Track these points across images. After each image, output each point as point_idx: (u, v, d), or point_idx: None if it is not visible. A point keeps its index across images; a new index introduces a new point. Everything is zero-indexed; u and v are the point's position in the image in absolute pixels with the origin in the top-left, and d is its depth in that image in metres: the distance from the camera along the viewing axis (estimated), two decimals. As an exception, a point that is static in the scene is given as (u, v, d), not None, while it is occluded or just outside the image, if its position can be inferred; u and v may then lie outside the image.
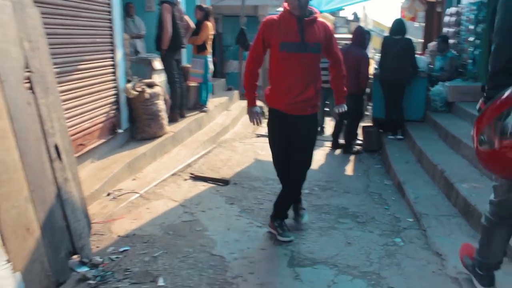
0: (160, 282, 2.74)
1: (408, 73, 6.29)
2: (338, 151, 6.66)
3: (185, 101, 7.19)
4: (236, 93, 10.57)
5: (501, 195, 2.33)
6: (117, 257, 3.05)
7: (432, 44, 8.61)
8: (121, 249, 3.18)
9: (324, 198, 4.52)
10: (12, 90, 2.50)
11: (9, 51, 2.55)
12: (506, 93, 1.87)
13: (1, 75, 2.44)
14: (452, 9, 7.77)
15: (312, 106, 3.32)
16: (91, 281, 2.71)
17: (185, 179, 5.01)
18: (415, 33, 19.98)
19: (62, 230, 2.79)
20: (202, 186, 4.79)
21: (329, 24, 3.36)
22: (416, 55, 6.68)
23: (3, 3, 2.56)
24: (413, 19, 13.16)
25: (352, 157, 6.33)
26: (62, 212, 2.82)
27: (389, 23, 21.65)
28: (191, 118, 7.12)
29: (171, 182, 4.87)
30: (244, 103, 8.89)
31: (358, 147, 6.73)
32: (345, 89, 3.58)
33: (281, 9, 3.33)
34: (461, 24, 7.40)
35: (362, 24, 17.93)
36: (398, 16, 14.95)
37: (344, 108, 3.59)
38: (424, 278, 2.84)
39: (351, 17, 23.09)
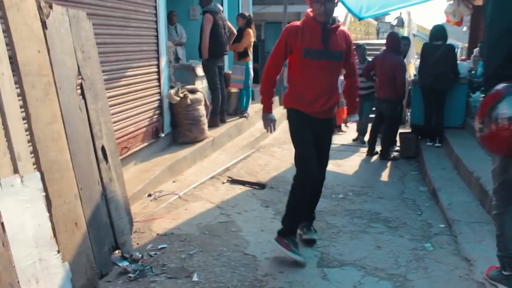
0: (195, 277, 2.93)
1: (449, 80, 6.26)
2: (375, 157, 6.70)
3: (226, 107, 7.43)
4: (276, 98, 10.72)
5: (499, 177, 2.62)
6: (155, 254, 3.27)
7: (476, 50, 8.47)
8: (160, 247, 3.40)
9: (358, 203, 4.61)
10: (66, 96, 2.78)
11: (64, 61, 2.83)
12: (494, 89, 2.40)
13: (57, 83, 2.71)
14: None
15: (333, 110, 3.45)
16: (131, 275, 2.93)
17: (223, 182, 5.22)
18: (463, 38, 19.53)
19: (106, 227, 3.04)
20: (239, 189, 4.98)
21: (349, 32, 3.44)
22: (457, 61, 6.63)
23: (62, 18, 2.84)
24: (458, 23, 12.87)
25: (389, 163, 6.35)
26: (106, 209, 3.07)
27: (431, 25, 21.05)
28: (231, 123, 7.35)
29: (209, 185, 5.09)
30: (284, 110, 9.05)
31: (395, 153, 6.74)
32: (357, 99, 3.72)
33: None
34: None
35: (406, 29, 17.71)
36: (443, 21, 14.73)
37: (356, 118, 3.71)
38: (450, 282, 2.90)
39: (394, 22, 22.80)
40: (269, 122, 3.43)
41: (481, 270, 2.94)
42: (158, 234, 3.64)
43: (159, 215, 4.05)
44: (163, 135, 5.63)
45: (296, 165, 3.32)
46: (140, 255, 3.20)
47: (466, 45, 13.50)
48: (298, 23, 3.29)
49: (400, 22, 20.84)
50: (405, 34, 17.17)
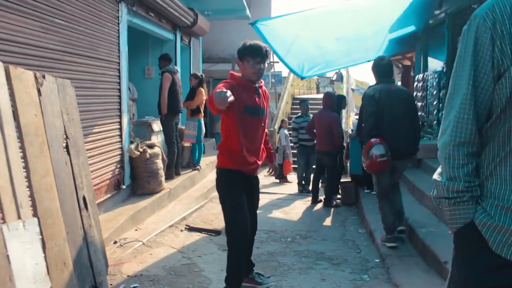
0: (168, 309, 3.39)
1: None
2: (319, 205, 7.41)
3: (180, 160, 7.96)
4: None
5: (377, 186, 4.72)
6: (134, 287, 3.70)
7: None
8: (131, 286, 3.83)
9: (304, 244, 5.22)
10: (55, 153, 3.27)
11: (54, 123, 3.34)
12: (369, 141, 4.44)
13: (49, 141, 3.21)
14: (419, 76, 8.83)
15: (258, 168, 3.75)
16: (110, 309, 3.35)
17: (182, 230, 5.70)
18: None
19: (87, 267, 3.46)
20: (197, 236, 5.47)
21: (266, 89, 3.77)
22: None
23: (52, 86, 3.37)
24: (391, 80, 14.28)
25: (332, 210, 7.07)
26: (87, 252, 3.50)
27: (370, 82, 22.89)
28: (185, 175, 7.88)
29: (169, 233, 5.55)
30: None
31: (337, 200, 7.48)
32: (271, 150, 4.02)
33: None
34: (427, 89, 8.42)
35: (345, 84, 19.15)
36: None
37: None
38: (382, 303, 3.53)
39: (334, 77, 24.44)
40: (226, 95, 2.96)
41: (407, 292, 3.60)
42: (128, 275, 4.06)
43: (127, 259, 4.46)
44: (124, 187, 6.07)
45: (229, 228, 3.56)
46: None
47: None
48: (229, 81, 3.49)
49: (339, 77, 22.44)
50: (344, 89, 18.65)
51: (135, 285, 3.84)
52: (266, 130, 3.81)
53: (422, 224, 4.92)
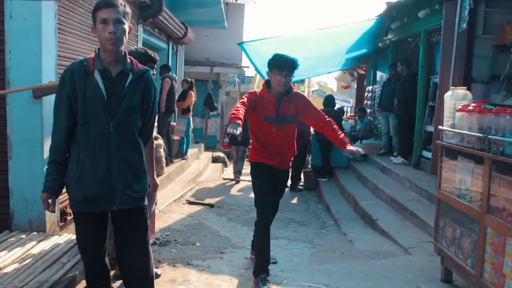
0: (197, 244, 5.32)
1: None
2: (286, 190, 9.47)
3: (171, 151, 9.81)
4: (202, 145, 13.30)
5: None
6: (166, 235, 5.60)
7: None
8: (165, 234, 5.71)
9: (279, 214, 7.21)
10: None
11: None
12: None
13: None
14: (369, 87, 11.08)
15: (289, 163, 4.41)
16: (160, 243, 5.23)
17: (183, 204, 7.60)
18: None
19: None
20: (197, 208, 7.39)
21: (301, 94, 4.29)
22: (342, 121, 9.78)
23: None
24: (347, 87, 16.59)
25: (297, 194, 9.15)
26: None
27: (330, 85, 25.04)
28: (177, 164, 9.74)
29: (175, 205, 7.43)
30: (209, 154, 12.07)
31: (301, 186, 9.57)
32: (341, 134, 4.09)
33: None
34: (374, 98, 10.66)
35: (306, 88, 21.37)
36: (334, 83, 18.58)
37: (354, 149, 4.02)
38: (335, 241, 5.62)
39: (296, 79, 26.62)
40: (234, 130, 3.43)
41: (350, 238, 5.69)
42: (160, 229, 5.93)
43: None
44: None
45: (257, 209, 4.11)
46: (159, 237, 5.50)
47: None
48: (257, 92, 4.09)
49: (301, 80, 24.55)
50: (305, 92, 20.85)
51: (167, 233, 5.73)
52: (323, 115, 4.18)
53: (364, 198, 7.08)
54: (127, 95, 2.61)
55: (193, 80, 10.26)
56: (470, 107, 3.41)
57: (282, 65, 3.87)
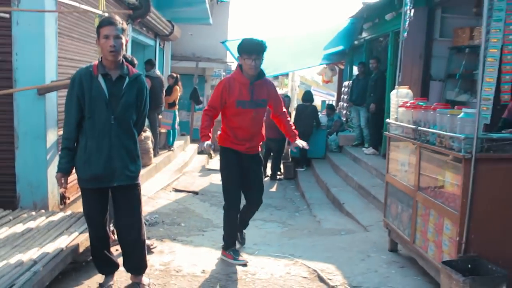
0: (182, 224, 6.02)
1: (312, 128, 10.07)
2: (266, 179, 10.21)
3: (158, 142, 10.48)
4: (188, 138, 13.97)
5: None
6: (155, 218, 6.29)
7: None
8: (154, 216, 6.40)
9: (258, 200, 7.99)
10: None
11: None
12: None
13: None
14: (346, 83, 11.85)
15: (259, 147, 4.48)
16: (148, 224, 5.92)
17: (170, 191, 8.29)
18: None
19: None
20: (183, 195, 8.09)
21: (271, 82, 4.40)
22: (319, 115, 10.54)
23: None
24: (328, 82, 17.33)
25: (276, 182, 9.89)
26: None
27: (313, 78, 25.78)
28: (164, 155, 10.42)
29: (162, 193, 8.12)
30: (194, 146, 12.72)
31: (280, 176, 10.32)
32: (293, 128, 4.46)
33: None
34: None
35: (290, 82, 22.11)
36: (319, 77, 19.37)
37: (302, 142, 4.41)
38: (305, 221, 6.38)
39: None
40: (207, 147, 3.94)
41: (318, 219, 6.43)
42: (148, 212, 6.62)
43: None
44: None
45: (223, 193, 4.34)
46: (148, 219, 6.20)
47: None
48: (227, 77, 4.18)
49: (285, 74, 25.30)
50: (289, 85, 21.59)
51: (156, 216, 6.42)
52: (283, 108, 4.44)
53: (335, 185, 7.84)
54: (124, 94, 3.30)
55: (178, 76, 10.92)
56: (408, 104, 4.16)
57: (250, 49, 3.96)
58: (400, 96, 4.48)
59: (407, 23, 4.42)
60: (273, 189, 9.28)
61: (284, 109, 4.49)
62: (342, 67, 15.49)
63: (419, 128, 3.83)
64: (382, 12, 8.45)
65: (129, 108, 3.34)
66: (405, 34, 4.44)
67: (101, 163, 3.23)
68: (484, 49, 3.23)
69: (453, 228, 3.32)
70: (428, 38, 6.91)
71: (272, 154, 10.33)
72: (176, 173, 9.87)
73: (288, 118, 4.49)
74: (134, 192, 3.46)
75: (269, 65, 11.12)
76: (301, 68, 11.31)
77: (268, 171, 10.35)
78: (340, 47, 10.95)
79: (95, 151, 3.22)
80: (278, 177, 10.19)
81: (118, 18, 3.30)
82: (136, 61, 4.59)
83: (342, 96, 11.93)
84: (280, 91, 23.11)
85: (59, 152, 3.37)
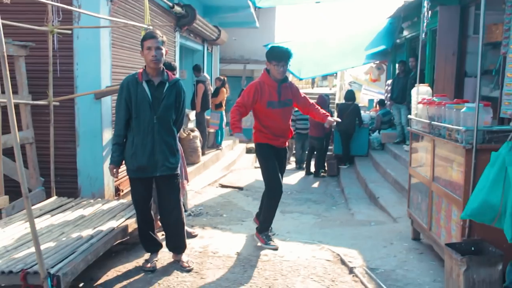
0: (224, 215, 6.57)
1: (354, 127, 10.39)
2: (311, 176, 10.62)
3: (206, 142, 11.14)
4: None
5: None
6: (200, 209, 6.88)
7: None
8: (199, 208, 6.99)
9: (298, 195, 8.44)
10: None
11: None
12: None
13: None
14: (388, 81, 12.04)
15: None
16: (193, 214, 6.50)
17: (217, 187, 8.88)
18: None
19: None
20: (228, 190, 8.65)
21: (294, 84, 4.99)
22: (361, 114, 10.84)
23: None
24: (375, 80, 17.45)
25: (319, 180, 10.28)
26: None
27: (363, 77, 25.82)
28: (212, 153, 11.06)
29: (209, 188, 8.72)
30: (243, 145, 13.28)
31: (323, 173, 10.69)
32: (322, 110, 4.90)
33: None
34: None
35: (339, 81, 22.36)
36: (367, 76, 19.52)
37: (332, 119, 4.87)
38: (339, 214, 6.76)
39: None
40: (240, 136, 4.40)
41: (353, 211, 6.79)
42: (195, 205, 7.21)
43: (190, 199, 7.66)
44: (177, 158, 9.24)
45: (266, 183, 4.76)
46: (193, 210, 6.79)
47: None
48: (258, 81, 4.59)
49: (331, 74, 25.51)
50: (338, 85, 21.80)
51: (201, 208, 7.01)
52: (309, 100, 4.94)
53: (373, 181, 8.15)
54: (165, 97, 3.86)
55: (225, 78, 11.53)
56: (425, 101, 4.48)
57: (279, 56, 4.47)
58: (420, 94, 4.80)
59: (424, 24, 4.74)
60: (316, 185, 9.68)
61: (312, 101, 4.96)
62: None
63: (431, 122, 4.16)
64: (419, 11, 8.65)
65: (169, 109, 3.90)
66: (423, 34, 4.75)
67: (146, 156, 3.81)
68: (504, 45, 3.47)
69: (459, 213, 3.63)
70: (462, 35, 7.10)
71: (315, 152, 10.73)
72: (224, 171, 10.46)
73: (317, 107, 4.94)
74: (173, 181, 4.01)
75: (314, 67, 11.62)
76: (345, 68, 11.64)
77: (312, 169, 10.76)
78: (382, 47, 11.18)
79: (141, 146, 3.80)
80: (322, 174, 10.57)
81: (158, 32, 3.87)
82: (175, 65, 5.13)
83: (385, 94, 12.12)
84: (328, 90, 23.50)
85: (104, 151, 3.95)
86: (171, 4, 8.01)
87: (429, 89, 4.79)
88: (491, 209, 2.89)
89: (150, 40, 3.77)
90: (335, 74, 22.05)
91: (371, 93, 24.02)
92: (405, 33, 10.52)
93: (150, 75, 3.84)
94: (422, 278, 3.93)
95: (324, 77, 27.39)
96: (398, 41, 11.34)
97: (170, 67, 4.64)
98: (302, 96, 4.91)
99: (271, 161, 4.71)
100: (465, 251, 3.42)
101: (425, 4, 4.76)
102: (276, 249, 4.67)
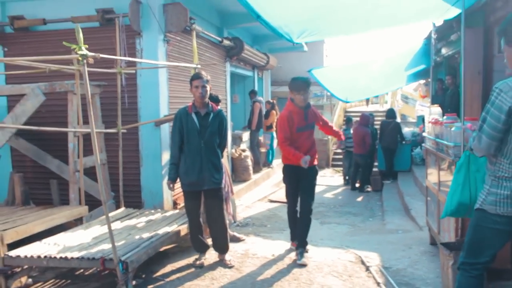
0: (268, 226, 7.40)
1: (396, 144, 10.97)
2: (355, 191, 11.25)
3: (259, 161, 12.06)
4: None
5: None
6: (247, 220, 7.75)
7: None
8: (247, 220, 7.86)
9: (340, 208, 9.13)
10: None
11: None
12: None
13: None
14: (429, 99, 12.49)
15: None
16: (240, 225, 7.38)
17: (265, 202, 9.74)
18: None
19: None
20: (276, 205, 9.48)
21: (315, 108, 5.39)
22: (402, 131, 11.39)
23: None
24: (424, 97, 17.80)
25: (363, 194, 10.89)
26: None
27: (414, 93, 25.87)
28: (263, 171, 11.96)
29: (258, 203, 9.59)
30: None
31: (368, 188, 11.29)
32: (337, 131, 5.69)
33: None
34: (437, 109, 12.07)
35: (390, 98, 22.68)
36: (416, 92, 19.84)
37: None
38: (373, 224, 7.40)
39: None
40: (306, 159, 4.86)
41: (387, 221, 7.41)
42: (243, 217, 8.10)
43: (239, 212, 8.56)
44: (229, 175, 10.22)
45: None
46: (241, 221, 7.67)
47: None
48: (285, 112, 5.08)
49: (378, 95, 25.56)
50: (389, 102, 22.13)
51: (248, 219, 7.88)
52: (327, 120, 5.55)
53: (409, 194, 8.72)
54: (210, 125, 4.81)
55: (274, 101, 12.48)
56: (432, 120, 5.16)
57: (299, 87, 5.01)
58: (432, 114, 5.48)
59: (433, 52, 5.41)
60: (359, 199, 10.32)
61: (330, 123, 5.65)
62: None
63: (436, 140, 4.84)
64: (451, 32, 9.22)
65: (213, 135, 4.84)
66: (432, 57, 5.43)
67: (195, 173, 4.75)
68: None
69: (455, 218, 4.30)
70: (487, 55, 7.63)
71: (360, 168, 11.38)
72: (274, 187, 11.31)
73: (330, 125, 5.60)
74: (218, 193, 4.93)
75: (358, 91, 12.29)
76: (389, 90, 12.21)
77: (357, 184, 11.40)
78: (422, 66, 11.72)
79: (191, 165, 4.75)
80: (366, 189, 11.17)
81: (203, 73, 4.85)
82: (219, 97, 5.91)
83: (429, 111, 12.61)
84: (379, 107, 23.80)
85: (164, 170, 4.96)
86: (220, 39, 9.07)
87: (439, 109, 5.44)
88: (464, 207, 3.56)
89: (197, 80, 4.75)
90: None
91: (423, 109, 24.16)
92: (443, 51, 11.03)
93: (198, 108, 4.81)
94: (428, 275, 4.58)
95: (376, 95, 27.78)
96: (438, 59, 11.83)
97: (215, 100, 5.59)
98: (322, 118, 5.49)
99: (293, 181, 5.37)
100: (458, 249, 4.07)
101: (433, 34, 5.44)
102: (304, 265, 4.96)
